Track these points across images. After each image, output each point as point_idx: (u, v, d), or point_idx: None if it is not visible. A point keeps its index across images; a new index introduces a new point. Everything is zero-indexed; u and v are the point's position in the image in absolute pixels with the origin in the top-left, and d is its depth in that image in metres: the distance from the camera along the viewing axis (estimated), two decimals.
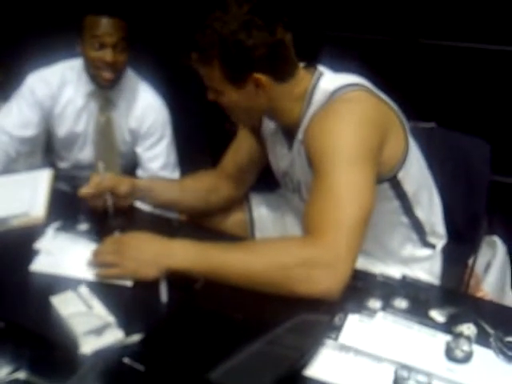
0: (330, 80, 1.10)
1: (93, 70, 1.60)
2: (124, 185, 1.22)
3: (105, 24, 1.53)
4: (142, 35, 1.74)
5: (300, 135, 1.13)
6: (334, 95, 1.06)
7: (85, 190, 1.19)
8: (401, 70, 1.89)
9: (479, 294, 1.38)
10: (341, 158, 0.97)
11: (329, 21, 1.99)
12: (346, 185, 0.95)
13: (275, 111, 1.13)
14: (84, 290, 0.93)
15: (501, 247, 1.43)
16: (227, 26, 1.00)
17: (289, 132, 1.20)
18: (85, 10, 1.56)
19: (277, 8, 1.05)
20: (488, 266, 1.42)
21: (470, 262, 1.35)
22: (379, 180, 1.06)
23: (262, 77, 1.04)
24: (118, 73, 1.61)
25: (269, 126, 1.27)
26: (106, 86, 1.64)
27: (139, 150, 1.73)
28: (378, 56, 1.88)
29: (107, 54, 1.54)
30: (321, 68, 1.14)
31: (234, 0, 1.02)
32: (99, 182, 1.19)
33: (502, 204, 1.54)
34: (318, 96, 1.09)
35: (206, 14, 1.02)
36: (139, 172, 1.75)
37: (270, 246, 0.98)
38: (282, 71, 1.07)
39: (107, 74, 1.58)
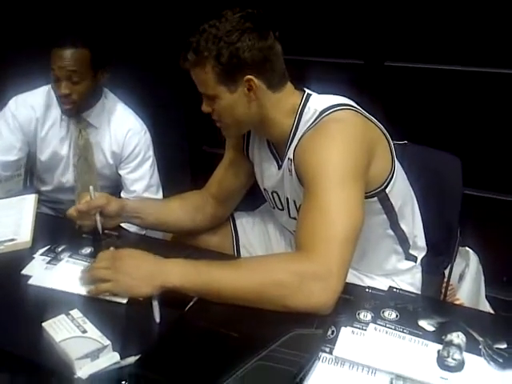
0: (318, 100, 1.14)
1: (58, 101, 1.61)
2: (113, 204, 1.22)
3: (57, 56, 1.52)
4: (122, 55, 1.74)
5: (290, 153, 1.15)
6: (323, 115, 1.09)
7: (75, 208, 1.18)
8: (369, 91, 1.97)
9: (455, 303, 1.43)
10: (331, 176, 1.00)
11: (304, 46, 2.05)
12: (337, 202, 0.98)
13: (266, 122, 1.16)
14: (76, 313, 0.91)
15: (473, 257, 1.48)
16: (221, 29, 1.05)
17: (277, 150, 1.23)
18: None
19: (268, 18, 1.10)
20: (462, 276, 1.47)
21: (446, 272, 1.40)
22: (368, 194, 1.10)
23: (253, 78, 1.07)
24: (76, 103, 1.59)
25: (256, 144, 1.29)
26: (69, 116, 1.64)
27: (122, 172, 1.73)
28: (349, 78, 1.95)
29: (61, 87, 1.54)
30: (307, 90, 1.18)
31: (228, 10, 1.08)
32: (89, 201, 1.19)
33: (472, 216, 1.60)
34: (308, 115, 1.12)
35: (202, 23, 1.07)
36: (122, 194, 1.74)
37: (263, 262, 0.99)
38: (272, 78, 1.11)
39: (65, 106, 1.59)
